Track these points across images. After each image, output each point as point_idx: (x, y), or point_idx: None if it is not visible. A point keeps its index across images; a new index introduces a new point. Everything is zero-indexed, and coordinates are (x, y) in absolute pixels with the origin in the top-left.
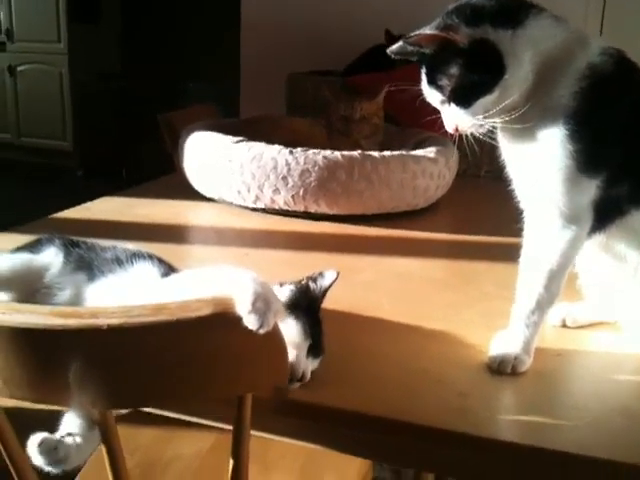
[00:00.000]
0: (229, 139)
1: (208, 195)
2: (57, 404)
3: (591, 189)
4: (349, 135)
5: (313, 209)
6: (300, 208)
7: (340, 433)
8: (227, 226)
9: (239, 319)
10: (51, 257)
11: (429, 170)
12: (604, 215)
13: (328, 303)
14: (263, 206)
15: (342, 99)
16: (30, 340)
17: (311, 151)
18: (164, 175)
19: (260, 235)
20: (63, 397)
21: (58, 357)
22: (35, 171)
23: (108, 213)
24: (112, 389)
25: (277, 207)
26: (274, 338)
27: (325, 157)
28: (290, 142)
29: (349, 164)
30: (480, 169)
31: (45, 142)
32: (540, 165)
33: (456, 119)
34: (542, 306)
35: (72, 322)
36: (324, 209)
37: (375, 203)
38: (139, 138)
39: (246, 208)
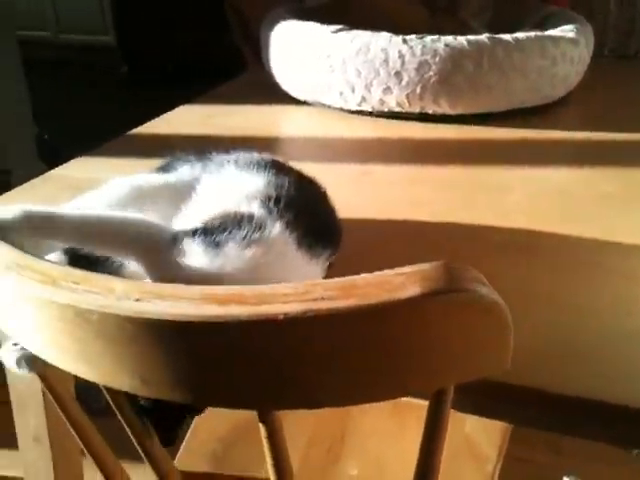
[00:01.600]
0: (326, 29)
1: (300, 98)
2: (211, 405)
3: None
4: (455, 13)
5: (431, 110)
6: (415, 109)
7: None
8: (331, 136)
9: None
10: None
11: (569, 54)
12: None
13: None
14: (370, 109)
15: None
16: (176, 334)
17: (429, 38)
18: (221, 70)
19: (374, 145)
20: (219, 398)
21: (214, 354)
22: (76, 69)
23: (190, 126)
24: (281, 388)
25: (387, 109)
26: (500, 311)
27: (448, 45)
28: (389, 28)
29: (477, 52)
30: (603, 47)
31: (85, 38)
32: None
33: None
34: None
35: (235, 311)
36: (445, 109)
37: (506, 98)
38: (187, 27)
39: (348, 112)
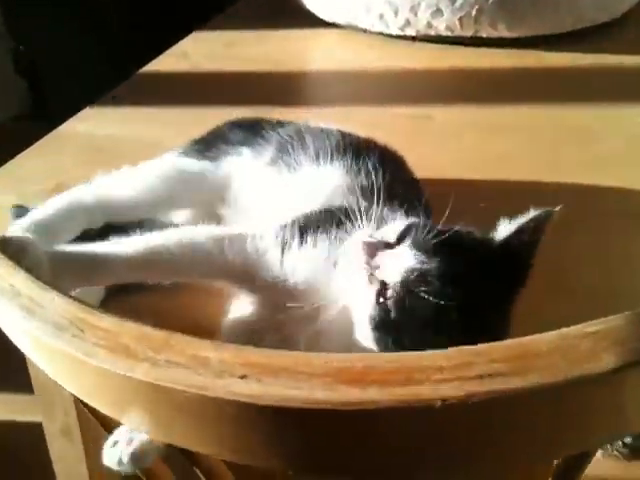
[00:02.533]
0: None
1: (328, 19)
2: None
3: None
4: None
5: (485, 33)
6: (468, 33)
7: None
8: (373, 67)
9: None
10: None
11: None
12: None
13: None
14: (414, 33)
15: None
16: (293, 421)
17: None
18: None
19: (426, 79)
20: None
21: (342, 442)
22: None
23: (211, 59)
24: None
25: (434, 33)
26: None
27: None
28: None
29: None
30: None
31: None
32: None
33: None
34: None
35: (376, 395)
36: (502, 32)
37: (572, 16)
38: None
39: (388, 36)
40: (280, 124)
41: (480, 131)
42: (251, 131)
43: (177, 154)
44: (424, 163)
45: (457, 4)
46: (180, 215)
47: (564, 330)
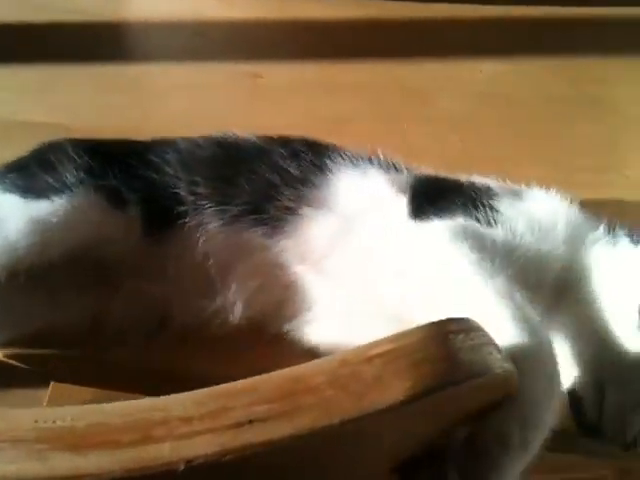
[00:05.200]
0: None
1: None
2: None
3: None
4: None
5: None
6: None
7: None
8: (203, 17)
9: None
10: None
11: None
12: None
13: None
14: None
15: None
16: None
17: None
18: None
19: (262, 32)
20: None
21: None
22: None
23: (16, 9)
24: None
25: None
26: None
27: None
28: None
29: None
30: None
31: None
32: None
33: None
34: None
35: (99, 464)
36: None
37: None
38: None
39: None
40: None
41: (314, 91)
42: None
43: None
44: (254, 127)
45: None
46: None
47: (344, 354)
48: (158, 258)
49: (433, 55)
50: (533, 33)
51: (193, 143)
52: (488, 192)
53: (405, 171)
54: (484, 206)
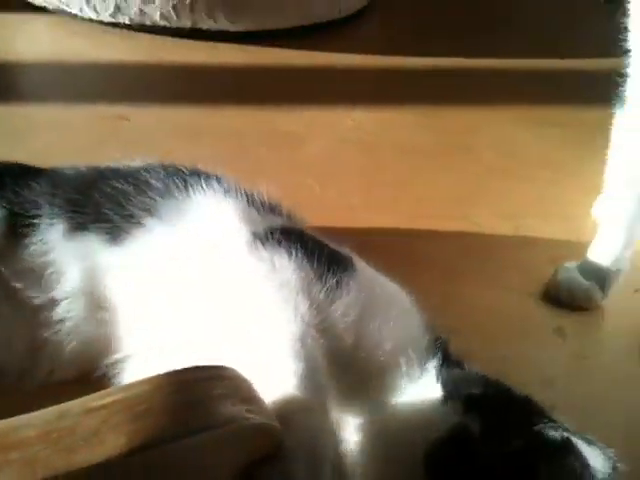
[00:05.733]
0: None
1: (38, 3)
2: None
3: None
4: None
5: (205, 25)
6: (186, 24)
7: None
8: (77, 59)
9: None
10: None
11: None
12: None
13: None
14: (127, 21)
15: None
16: None
17: None
18: None
19: (133, 74)
20: None
21: None
22: None
23: None
24: None
25: (149, 23)
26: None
27: None
28: None
29: None
30: None
31: None
32: None
33: None
34: None
35: None
36: (222, 24)
37: (299, 12)
38: None
39: (100, 24)
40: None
41: (180, 133)
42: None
43: None
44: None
45: None
46: None
47: (68, 405)
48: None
49: (307, 102)
50: (404, 83)
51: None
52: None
53: (262, 209)
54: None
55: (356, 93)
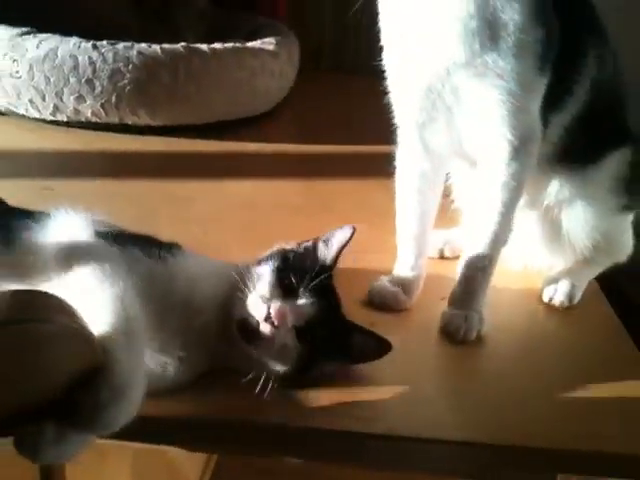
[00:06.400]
0: (10, 31)
1: None
2: None
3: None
4: (168, 20)
5: (131, 121)
6: (114, 119)
7: None
8: (20, 148)
9: None
10: None
11: (269, 67)
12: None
13: None
14: (65, 119)
15: None
16: None
17: (122, 45)
18: None
19: (64, 158)
20: None
21: None
22: None
23: None
24: None
25: (84, 119)
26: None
27: (141, 53)
28: (93, 30)
29: (172, 61)
30: (320, 61)
31: None
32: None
33: None
34: (498, 249)
35: None
36: (145, 120)
37: (206, 110)
38: None
39: (43, 121)
40: None
41: (98, 199)
42: None
43: None
44: None
45: (97, 91)
46: None
47: None
48: None
49: (206, 176)
50: (296, 163)
51: None
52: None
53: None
54: None
55: (252, 170)
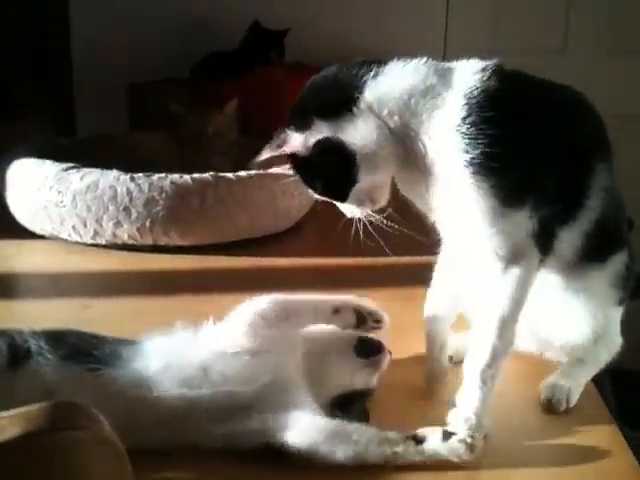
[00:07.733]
0: (57, 167)
1: (39, 232)
2: None
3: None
4: (202, 151)
5: (163, 242)
6: (148, 241)
7: None
8: (62, 270)
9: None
10: None
11: (289, 189)
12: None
13: None
14: (104, 242)
15: (192, 112)
16: None
17: (156, 176)
18: None
19: (103, 278)
20: None
21: None
22: None
23: None
24: None
25: (120, 242)
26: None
27: (173, 182)
28: (133, 164)
29: (201, 189)
30: None
31: None
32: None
33: (346, 210)
34: (499, 359)
35: None
36: (176, 241)
37: (233, 229)
38: None
39: (84, 245)
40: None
41: (134, 317)
42: None
43: None
44: None
45: (133, 217)
46: None
47: None
48: None
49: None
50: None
51: None
52: None
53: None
54: None
55: (276, 283)
